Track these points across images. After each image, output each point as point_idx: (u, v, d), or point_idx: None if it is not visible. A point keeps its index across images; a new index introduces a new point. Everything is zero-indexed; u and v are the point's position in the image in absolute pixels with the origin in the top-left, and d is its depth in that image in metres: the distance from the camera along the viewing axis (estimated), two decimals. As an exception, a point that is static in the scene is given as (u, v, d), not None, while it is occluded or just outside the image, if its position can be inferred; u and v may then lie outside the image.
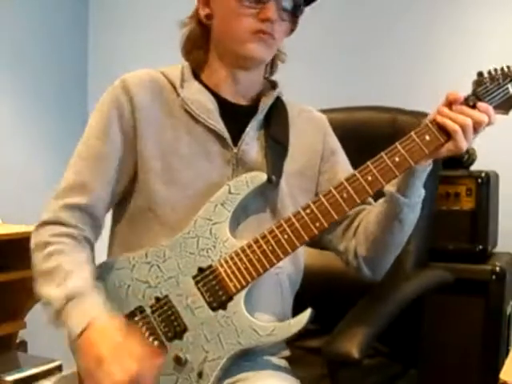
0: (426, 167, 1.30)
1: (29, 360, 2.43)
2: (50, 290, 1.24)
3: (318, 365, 1.57)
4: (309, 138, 1.44)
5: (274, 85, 1.46)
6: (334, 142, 1.49)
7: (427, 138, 1.25)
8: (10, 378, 2.25)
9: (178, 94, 1.34)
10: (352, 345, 1.29)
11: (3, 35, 2.89)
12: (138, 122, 1.31)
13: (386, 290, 1.56)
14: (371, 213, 1.39)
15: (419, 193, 1.33)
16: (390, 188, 1.31)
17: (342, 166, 1.46)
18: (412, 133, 1.25)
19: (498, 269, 2.14)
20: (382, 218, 1.35)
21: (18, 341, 2.65)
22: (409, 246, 1.73)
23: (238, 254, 1.25)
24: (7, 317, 2.46)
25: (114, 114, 1.31)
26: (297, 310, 1.39)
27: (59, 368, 2.38)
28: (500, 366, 1.15)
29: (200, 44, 1.38)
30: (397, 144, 1.25)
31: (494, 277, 2.14)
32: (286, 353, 1.42)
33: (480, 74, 1.28)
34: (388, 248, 1.40)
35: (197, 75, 1.39)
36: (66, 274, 1.24)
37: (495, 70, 1.28)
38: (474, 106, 1.25)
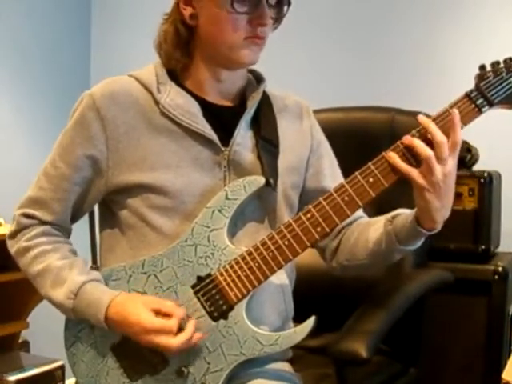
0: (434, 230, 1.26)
1: (31, 360, 2.42)
2: (51, 293, 1.26)
3: (318, 364, 1.57)
4: (297, 131, 1.41)
5: (258, 77, 1.41)
6: (319, 134, 1.47)
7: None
8: (12, 378, 2.24)
9: (157, 101, 1.28)
10: (360, 344, 1.29)
11: (5, 35, 2.89)
12: (112, 140, 1.27)
13: (390, 290, 1.56)
14: (365, 232, 1.35)
15: (417, 245, 1.30)
16: (390, 228, 1.28)
17: (327, 160, 1.45)
18: (414, 131, 1.21)
19: (500, 269, 2.14)
20: (374, 249, 1.32)
21: (20, 341, 2.64)
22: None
23: (237, 262, 1.23)
24: (10, 317, 2.46)
25: (81, 136, 1.28)
26: (297, 310, 1.39)
27: (62, 368, 2.38)
28: (502, 366, 1.15)
29: (182, 44, 1.31)
30: (398, 142, 1.22)
31: (496, 277, 2.14)
32: (289, 355, 1.41)
33: (482, 68, 1.24)
34: (370, 268, 1.39)
35: (173, 76, 1.33)
36: (59, 271, 1.26)
37: (498, 62, 1.24)
38: (475, 103, 1.21)
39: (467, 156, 2.24)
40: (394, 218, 1.31)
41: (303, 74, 2.80)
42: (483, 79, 1.23)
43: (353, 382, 1.38)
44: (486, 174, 2.18)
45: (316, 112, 1.48)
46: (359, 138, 1.83)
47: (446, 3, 2.61)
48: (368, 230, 1.35)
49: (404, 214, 1.29)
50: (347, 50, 2.77)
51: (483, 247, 2.19)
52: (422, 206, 1.21)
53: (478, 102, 1.22)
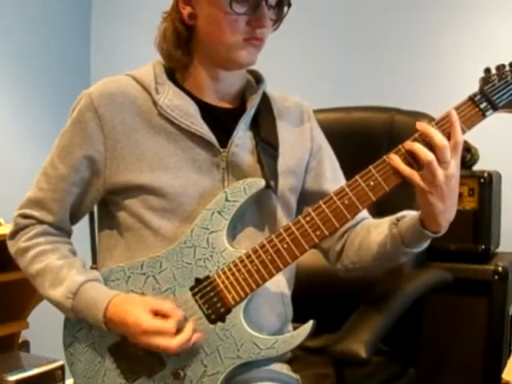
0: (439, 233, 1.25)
1: (31, 360, 2.43)
2: (50, 292, 1.26)
3: (317, 365, 1.57)
4: (296, 134, 1.40)
5: (258, 78, 1.40)
6: (320, 136, 1.46)
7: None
8: (12, 378, 2.24)
9: (155, 102, 1.27)
10: (359, 344, 1.29)
11: (5, 35, 2.89)
12: (110, 139, 1.26)
13: (390, 291, 1.56)
14: (369, 235, 1.35)
15: (423, 247, 1.30)
16: (395, 231, 1.28)
17: (328, 163, 1.44)
18: (416, 134, 1.19)
19: (500, 269, 2.14)
20: (380, 252, 1.32)
21: (20, 341, 2.65)
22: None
23: (236, 265, 1.22)
24: (10, 317, 2.46)
25: (79, 136, 1.27)
26: (296, 311, 1.39)
27: (62, 368, 2.38)
28: (502, 366, 1.15)
29: (182, 44, 1.30)
30: (400, 146, 1.20)
31: (496, 277, 2.14)
32: (288, 356, 1.41)
33: (487, 71, 1.22)
34: (375, 270, 1.39)
35: (172, 75, 1.32)
36: (58, 271, 1.26)
37: (503, 65, 1.21)
38: (479, 107, 1.18)
39: (467, 156, 2.24)
40: (398, 220, 1.30)
41: (303, 73, 2.80)
42: (488, 82, 1.20)
43: (352, 383, 1.38)
44: (486, 174, 2.18)
45: (316, 112, 1.48)
46: (359, 138, 1.83)
47: (446, 3, 2.61)
48: (373, 233, 1.34)
49: (409, 216, 1.28)
50: (347, 50, 2.77)
51: (483, 247, 2.19)
52: (426, 209, 1.21)
53: (482, 105, 1.19)
